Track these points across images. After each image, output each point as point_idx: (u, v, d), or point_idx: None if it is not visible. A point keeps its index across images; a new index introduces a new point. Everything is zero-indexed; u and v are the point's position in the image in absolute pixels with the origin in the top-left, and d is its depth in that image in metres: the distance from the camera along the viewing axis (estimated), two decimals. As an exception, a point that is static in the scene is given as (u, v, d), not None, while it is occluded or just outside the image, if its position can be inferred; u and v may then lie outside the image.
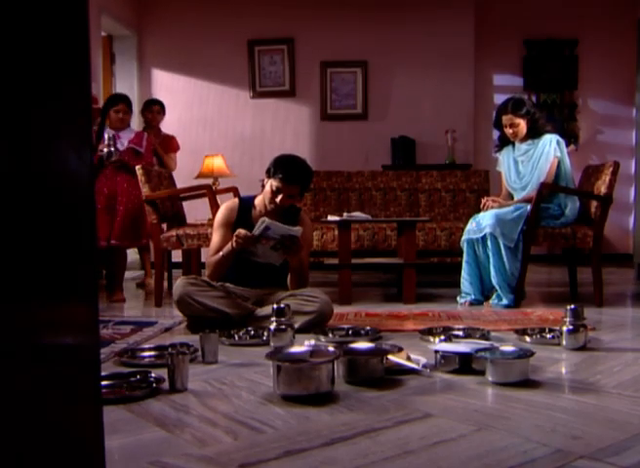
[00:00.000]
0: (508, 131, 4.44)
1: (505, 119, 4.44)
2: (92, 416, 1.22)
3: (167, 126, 7.07)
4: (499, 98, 6.92)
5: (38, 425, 1.08)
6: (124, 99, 5.13)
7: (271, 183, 3.55)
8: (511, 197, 4.59)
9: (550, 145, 4.36)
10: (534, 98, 7.08)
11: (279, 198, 3.53)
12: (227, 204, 3.77)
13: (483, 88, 7.12)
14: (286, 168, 3.53)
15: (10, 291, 1.01)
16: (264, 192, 3.62)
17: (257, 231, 3.39)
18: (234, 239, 3.46)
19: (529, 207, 4.17)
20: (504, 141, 4.62)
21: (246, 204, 3.73)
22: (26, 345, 1.05)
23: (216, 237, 3.66)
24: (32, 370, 1.06)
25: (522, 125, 4.40)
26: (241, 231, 3.45)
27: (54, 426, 1.11)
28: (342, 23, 6.85)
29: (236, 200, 3.81)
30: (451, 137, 6.62)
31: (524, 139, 4.45)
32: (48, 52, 1.09)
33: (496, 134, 6.88)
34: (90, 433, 1.21)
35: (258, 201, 3.69)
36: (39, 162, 1.07)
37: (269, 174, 3.57)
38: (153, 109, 6.05)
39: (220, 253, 3.55)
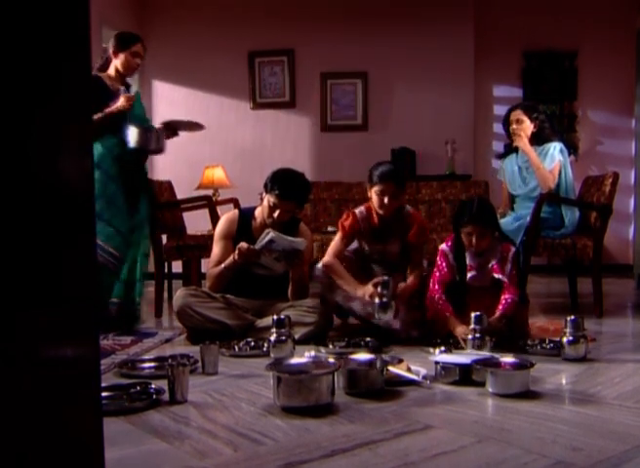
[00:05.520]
0: (513, 127, 4.45)
1: (513, 114, 4.47)
2: (92, 428, 1.22)
3: (167, 137, 7.09)
4: (498, 110, 6.94)
5: (39, 436, 1.08)
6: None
7: (268, 199, 3.56)
8: (512, 206, 4.60)
9: (555, 149, 4.38)
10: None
11: (276, 213, 3.54)
12: (228, 215, 3.77)
13: (483, 99, 7.13)
14: (282, 184, 3.53)
15: (9, 302, 1.01)
16: (263, 206, 3.63)
17: (260, 243, 3.41)
18: (237, 252, 3.47)
19: (528, 218, 4.17)
20: (510, 149, 4.63)
21: (246, 215, 3.74)
22: (27, 356, 1.05)
23: (216, 249, 3.67)
24: (33, 382, 1.06)
25: (527, 125, 4.41)
26: (243, 245, 3.46)
27: (54, 437, 1.11)
28: (342, 35, 6.87)
29: (236, 211, 3.82)
30: (451, 148, 6.62)
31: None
32: (50, 61, 1.10)
33: (495, 145, 6.95)
34: (90, 444, 1.21)
35: (258, 212, 3.70)
36: (39, 169, 1.08)
37: (267, 188, 3.58)
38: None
39: (222, 266, 3.55)
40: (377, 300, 3.10)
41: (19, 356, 1.04)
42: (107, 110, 4.01)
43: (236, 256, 3.48)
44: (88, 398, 1.21)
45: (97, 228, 3.85)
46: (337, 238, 3.61)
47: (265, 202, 3.59)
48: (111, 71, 4.15)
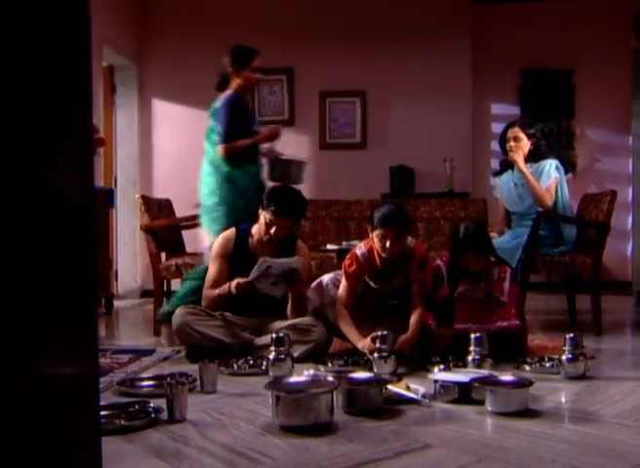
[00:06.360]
0: (510, 144, 4.44)
1: (511, 132, 4.47)
2: (91, 447, 1.21)
3: (167, 155, 7.10)
4: (496, 127, 6.96)
5: (37, 455, 1.07)
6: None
7: (265, 216, 3.57)
8: (509, 222, 4.61)
9: (550, 167, 4.39)
10: (531, 128, 7.11)
11: (273, 230, 3.54)
12: (224, 234, 3.78)
13: (481, 117, 7.15)
14: (278, 201, 3.55)
15: (9, 320, 1.01)
16: (259, 223, 3.63)
17: (257, 272, 3.40)
18: (233, 285, 3.47)
19: (526, 235, 4.17)
20: (506, 166, 4.63)
21: (243, 234, 3.74)
22: (26, 375, 1.05)
23: (212, 268, 3.67)
24: (32, 401, 1.06)
25: (524, 143, 4.41)
26: (240, 282, 3.46)
27: (53, 457, 1.11)
28: (341, 54, 6.91)
29: (233, 230, 3.81)
30: (449, 166, 6.64)
31: (524, 162, 4.46)
32: (53, 78, 1.11)
33: (494, 163, 6.96)
34: (89, 464, 1.21)
35: (255, 230, 3.70)
36: (38, 182, 1.08)
37: (263, 205, 3.59)
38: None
39: (217, 292, 3.56)
40: (375, 355, 3.06)
41: (17, 375, 1.04)
42: (258, 138, 4.07)
43: (233, 290, 3.48)
44: (87, 417, 1.21)
45: None
46: (344, 286, 3.50)
47: (262, 219, 3.60)
48: (235, 88, 4.13)
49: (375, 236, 3.38)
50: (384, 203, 3.58)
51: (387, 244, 3.32)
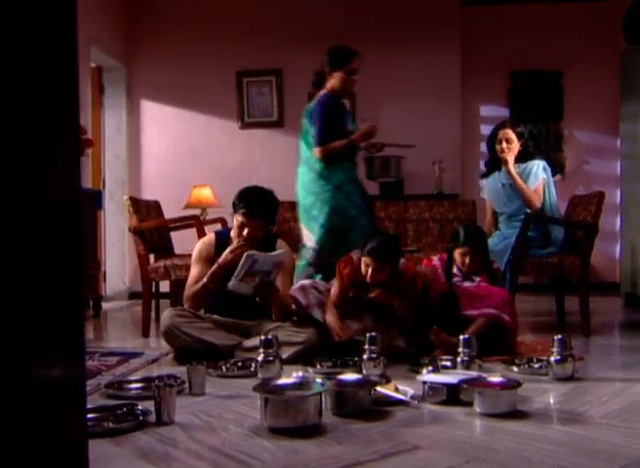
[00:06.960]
0: (502, 146, 4.43)
1: (502, 133, 4.46)
2: (78, 450, 1.21)
3: (156, 156, 7.09)
4: (485, 129, 6.98)
5: (22, 459, 1.07)
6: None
7: (236, 218, 3.56)
8: (496, 224, 4.62)
9: (538, 168, 4.41)
10: (520, 129, 7.14)
11: (245, 232, 3.53)
12: (204, 239, 3.78)
13: (470, 119, 7.18)
14: (248, 202, 3.53)
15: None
16: (233, 226, 3.62)
17: (244, 268, 3.38)
18: (219, 261, 3.51)
19: (514, 237, 4.19)
20: (492, 166, 4.63)
21: (222, 238, 3.73)
22: (12, 377, 1.05)
23: (194, 271, 3.65)
24: (17, 404, 1.06)
25: (516, 144, 4.42)
26: (219, 265, 3.50)
27: (39, 460, 1.10)
28: (330, 55, 6.91)
29: (212, 235, 3.80)
30: (438, 168, 6.66)
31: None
32: (36, 80, 1.10)
33: (483, 164, 6.98)
34: (76, 467, 1.20)
35: (233, 234, 3.69)
36: (26, 190, 1.08)
37: (234, 207, 3.58)
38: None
39: (199, 285, 3.54)
40: (364, 356, 3.05)
41: (3, 377, 1.03)
42: (353, 138, 4.04)
43: (220, 261, 3.51)
44: (74, 419, 1.20)
45: (341, 250, 3.82)
46: (336, 286, 3.52)
47: (234, 221, 3.59)
48: (329, 89, 4.11)
49: (362, 261, 3.42)
50: (379, 233, 3.59)
51: (370, 272, 3.36)
